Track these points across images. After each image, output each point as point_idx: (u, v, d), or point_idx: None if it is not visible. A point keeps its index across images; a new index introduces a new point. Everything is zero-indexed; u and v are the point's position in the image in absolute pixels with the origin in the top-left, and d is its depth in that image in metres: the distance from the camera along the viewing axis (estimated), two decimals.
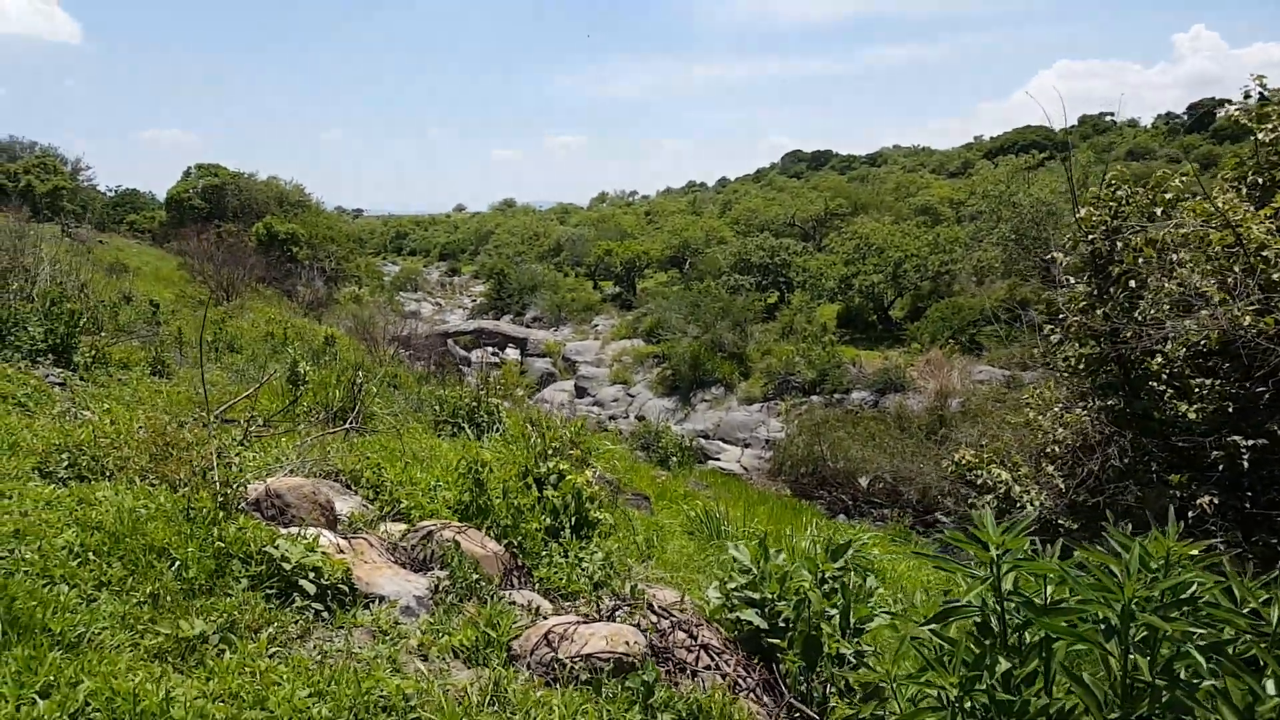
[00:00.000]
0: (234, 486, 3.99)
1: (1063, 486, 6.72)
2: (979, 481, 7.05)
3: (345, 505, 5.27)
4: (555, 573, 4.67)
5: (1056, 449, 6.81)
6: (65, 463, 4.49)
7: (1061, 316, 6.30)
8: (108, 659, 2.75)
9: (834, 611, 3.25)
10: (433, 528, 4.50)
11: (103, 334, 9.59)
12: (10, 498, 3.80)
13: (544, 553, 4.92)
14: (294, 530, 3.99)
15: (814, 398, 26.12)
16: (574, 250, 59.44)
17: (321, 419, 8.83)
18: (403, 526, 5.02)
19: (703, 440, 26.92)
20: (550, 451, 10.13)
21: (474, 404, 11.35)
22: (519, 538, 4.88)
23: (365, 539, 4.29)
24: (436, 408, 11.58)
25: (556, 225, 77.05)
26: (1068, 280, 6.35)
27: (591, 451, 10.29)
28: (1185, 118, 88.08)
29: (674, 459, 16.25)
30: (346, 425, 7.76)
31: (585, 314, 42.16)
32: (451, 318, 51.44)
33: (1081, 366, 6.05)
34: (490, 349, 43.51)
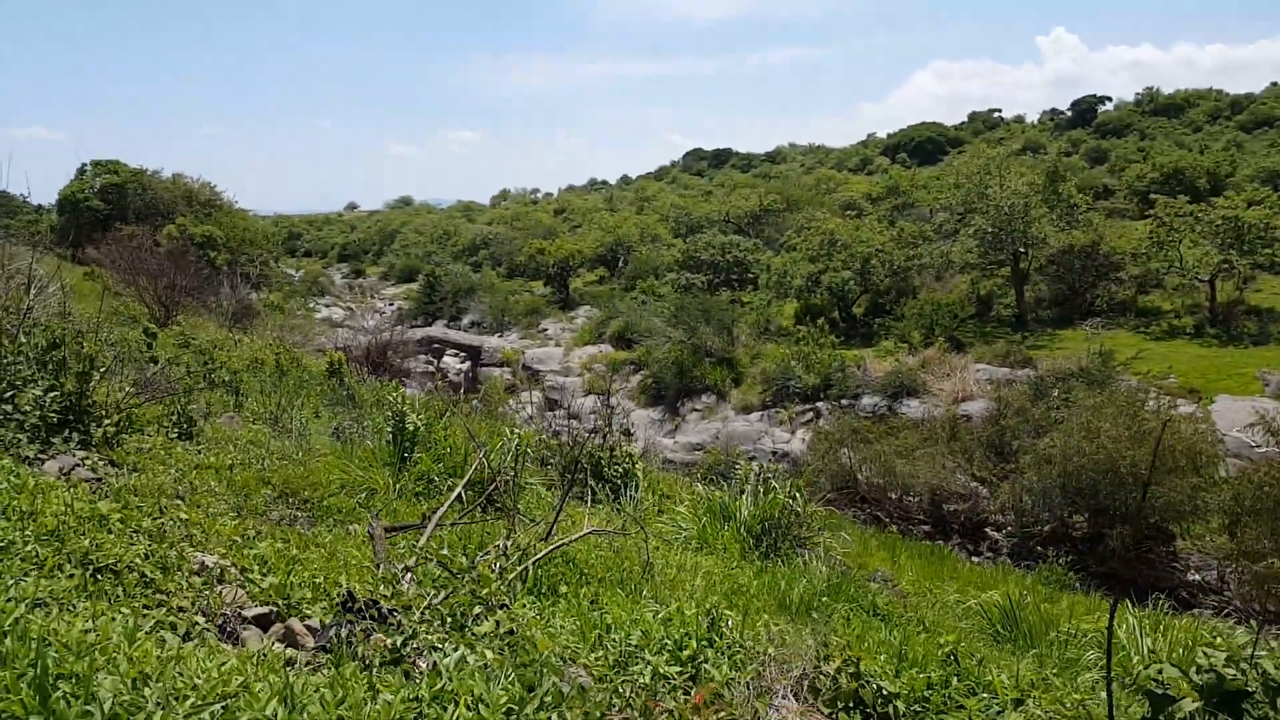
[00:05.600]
0: None
1: None
2: None
3: None
4: None
5: None
6: None
7: None
8: None
9: None
10: None
11: (124, 385, 6.53)
12: None
13: None
14: None
15: (820, 404, 24.61)
16: (497, 249, 56.10)
17: (455, 503, 6.27)
18: None
19: (700, 454, 24.97)
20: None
21: (600, 455, 8.89)
22: None
23: None
24: (548, 456, 9.05)
25: (465, 223, 73.35)
26: None
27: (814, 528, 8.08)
28: (1069, 114, 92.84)
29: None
30: (553, 525, 5.21)
31: (531, 317, 39.28)
32: (369, 324, 47.11)
33: None
34: (425, 357, 39.71)
